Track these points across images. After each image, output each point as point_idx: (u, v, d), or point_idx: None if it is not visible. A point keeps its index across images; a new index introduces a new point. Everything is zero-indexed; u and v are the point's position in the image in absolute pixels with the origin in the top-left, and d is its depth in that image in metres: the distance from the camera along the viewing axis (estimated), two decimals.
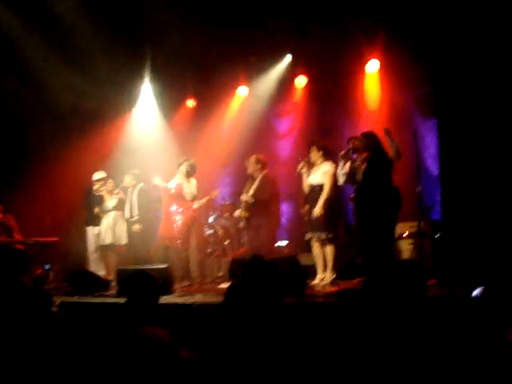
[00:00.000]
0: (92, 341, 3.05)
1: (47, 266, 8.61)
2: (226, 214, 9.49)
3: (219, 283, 7.61)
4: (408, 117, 8.55)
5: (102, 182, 8.67)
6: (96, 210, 8.57)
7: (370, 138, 6.41)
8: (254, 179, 7.69)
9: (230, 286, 3.64)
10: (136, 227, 8.22)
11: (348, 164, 6.58)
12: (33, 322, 3.16)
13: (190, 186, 7.64)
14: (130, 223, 8.38)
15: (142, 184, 8.40)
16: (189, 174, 7.69)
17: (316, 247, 6.99)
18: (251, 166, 7.70)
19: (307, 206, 7.16)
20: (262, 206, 7.51)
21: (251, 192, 7.58)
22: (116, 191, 8.54)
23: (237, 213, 7.98)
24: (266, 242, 7.43)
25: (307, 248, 7.35)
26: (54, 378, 2.68)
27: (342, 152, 6.61)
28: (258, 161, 7.68)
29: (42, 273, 8.19)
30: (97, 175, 8.75)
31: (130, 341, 1.54)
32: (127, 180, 8.47)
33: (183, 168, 7.68)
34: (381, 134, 6.42)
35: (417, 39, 7.87)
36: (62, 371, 2.74)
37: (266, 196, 7.53)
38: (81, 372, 2.69)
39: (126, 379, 1.47)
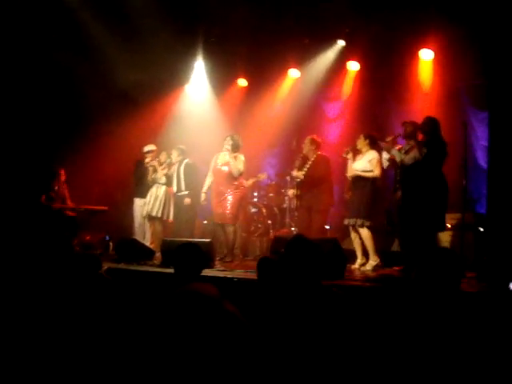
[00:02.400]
0: (142, 300, 3.22)
1: (107, 237, 8.90)
2: (271, 194, 9.61)
3: None
4: (460, 107, 8.46)
5: (152, 154, 8.93)
6: (150, 177, 8.72)
7: (427, 124, 6.26)
8: (306, 159, 7.79)
9: (260, 260, 3.79)
10: (187, 201, 8.31)
11: (395, 149, 6.50)
12: (84, 283, 3.36)
13: (236, 163, 7.64)
14: (177, 197, 8.52)
15: (187, 160, 8.54)
16: (234, 149, 7.68)
17: (353, 233, 7.07)
18: (306, 146, 7.82)
19: (350, 193, 7.24)
20: (314, 185, 7.63)
21: (304, 170, 7.70)
22: (162, 167, 8.73)
23: (290, 192, 8.14)
24: (316, 223, 7.57)
25: (349, 233, 7.41)
26: (106, 331, 2.87)
27: (389, 138, 6.62)
28: (312, 142, 7.80)
29: (91, 239, 8.49)
30: (147, 148, 9.00)
31: (179, 294, 1.68)
32: (174, 155, 8.64)
33: (227, 144, 7.71)
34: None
35: (472, 31, 7.73)
36: (114, 325, 2.93)
37: (317, 175, 7.64)
38: (133, 325, 2.87)
39: (176, 330, 1.61)
